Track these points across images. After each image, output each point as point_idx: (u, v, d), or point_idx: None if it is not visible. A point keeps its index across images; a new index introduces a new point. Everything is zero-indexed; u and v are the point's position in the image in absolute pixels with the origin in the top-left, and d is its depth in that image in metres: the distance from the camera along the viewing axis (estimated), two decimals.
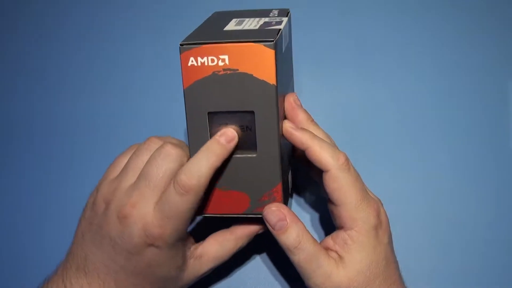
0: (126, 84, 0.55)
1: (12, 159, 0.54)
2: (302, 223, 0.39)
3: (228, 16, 0.43)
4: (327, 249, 0.40)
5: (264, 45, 0.35)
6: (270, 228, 0.39)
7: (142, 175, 0.38)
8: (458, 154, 0.50)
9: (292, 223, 0.38)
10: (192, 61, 0.36)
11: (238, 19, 0.42)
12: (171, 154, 0.38)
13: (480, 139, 0.50)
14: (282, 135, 0.39)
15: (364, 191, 0.39)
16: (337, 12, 0.55)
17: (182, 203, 0.36)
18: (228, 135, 0.37)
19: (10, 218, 0.52)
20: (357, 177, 0.40)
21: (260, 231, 0.43)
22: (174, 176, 0.37)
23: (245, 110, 0.37)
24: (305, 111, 0.42)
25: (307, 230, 0.39)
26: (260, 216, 0.40)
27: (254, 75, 0.36)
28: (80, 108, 0.55)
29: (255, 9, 0.46)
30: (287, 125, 0.39)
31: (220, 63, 0.36)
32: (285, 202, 0.41)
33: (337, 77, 0.53)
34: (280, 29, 0.38)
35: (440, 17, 0.54)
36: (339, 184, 0.38)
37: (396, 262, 0.41)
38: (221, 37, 0.37)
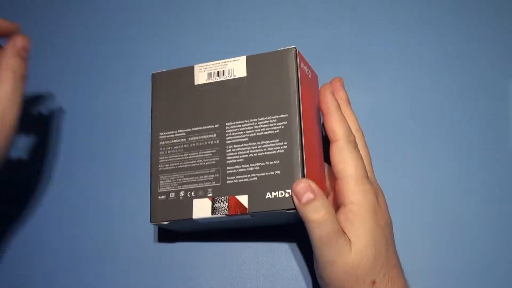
0: (125, 82, 0.56)
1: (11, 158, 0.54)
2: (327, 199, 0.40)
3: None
4: None
5: None
6: (295, 200, 0.39)
7: None
8: (458, 154, 0.50)
9: (319, 196, 0.38)
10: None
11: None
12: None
13: (480, 139, 0.50)
14: None
15: (365, 172, 0.40)
16: (339, 12, 0.55)
17: None
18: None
19: (9, 217, 0.52)
20: (360, 158, 0.40)
21: None
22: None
23: None
24: (346, 93, 0.46)
25: (332, 207, 0.39)
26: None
27: None
28: (78, 107, 0.55)
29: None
30: (326, 86, 0.42)
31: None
32: None
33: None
34: None
35: (440, 17, 0.54)
36: (343, 155, 0.40)
37: (395, 248, 0.41)
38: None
